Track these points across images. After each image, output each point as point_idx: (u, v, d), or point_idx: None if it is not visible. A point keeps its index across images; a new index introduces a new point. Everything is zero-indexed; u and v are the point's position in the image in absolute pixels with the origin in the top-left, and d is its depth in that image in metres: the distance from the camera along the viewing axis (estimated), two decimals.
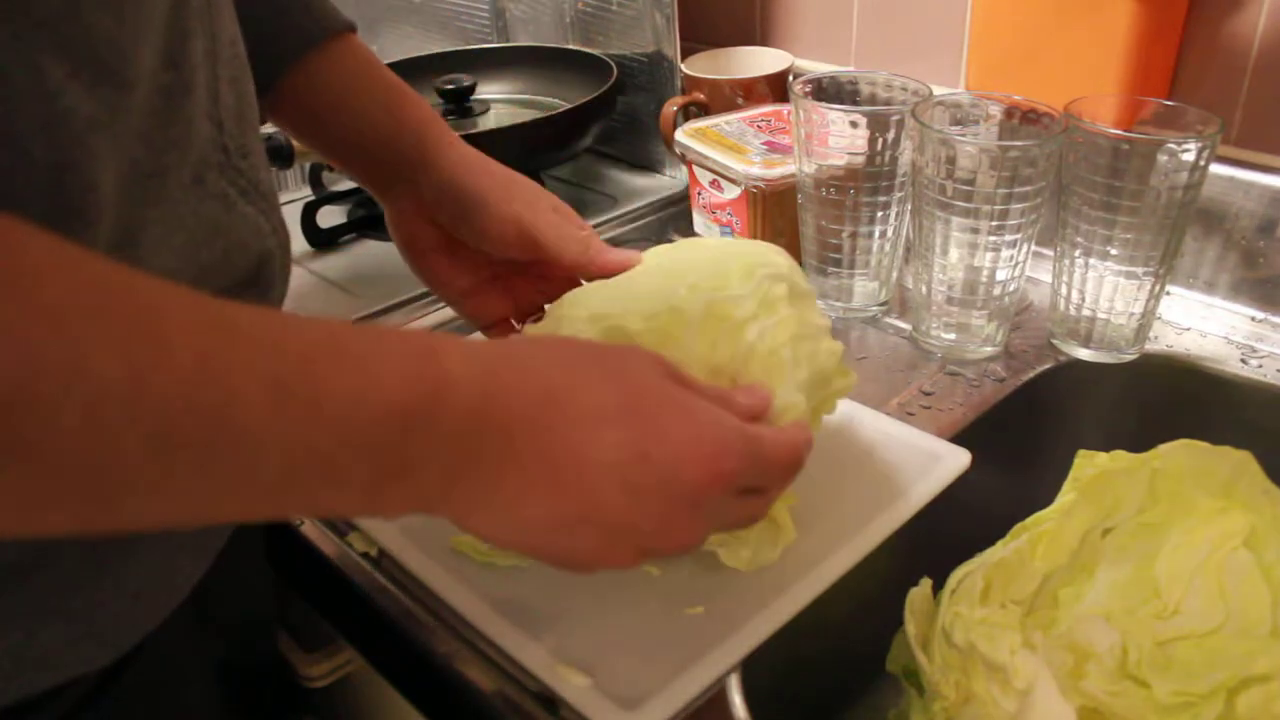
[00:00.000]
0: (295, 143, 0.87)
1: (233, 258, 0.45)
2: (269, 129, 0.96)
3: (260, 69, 0.54)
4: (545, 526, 0.39)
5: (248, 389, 0.31)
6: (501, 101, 1.10)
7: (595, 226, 0.92)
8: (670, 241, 0.92)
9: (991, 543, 0.59)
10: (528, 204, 0.59)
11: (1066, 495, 0.59)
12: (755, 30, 1.04)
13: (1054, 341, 0.73)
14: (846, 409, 0.66)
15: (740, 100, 0.95)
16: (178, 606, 0.50)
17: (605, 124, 0.99)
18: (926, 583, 0.56)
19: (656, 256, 0.57)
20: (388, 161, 0.62)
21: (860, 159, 0.71)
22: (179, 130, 0.41)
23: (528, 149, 0.92)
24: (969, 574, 0.56)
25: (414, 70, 1.05)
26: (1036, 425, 0.72)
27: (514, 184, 0.61)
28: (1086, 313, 0.70)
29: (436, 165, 0.61)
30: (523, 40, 1.14)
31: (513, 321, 0.64)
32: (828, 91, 0.75)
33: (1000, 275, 0.68)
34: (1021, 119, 0.68)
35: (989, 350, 0.72)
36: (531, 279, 0.63)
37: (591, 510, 0.38)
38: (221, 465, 0.31)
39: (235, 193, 0.45)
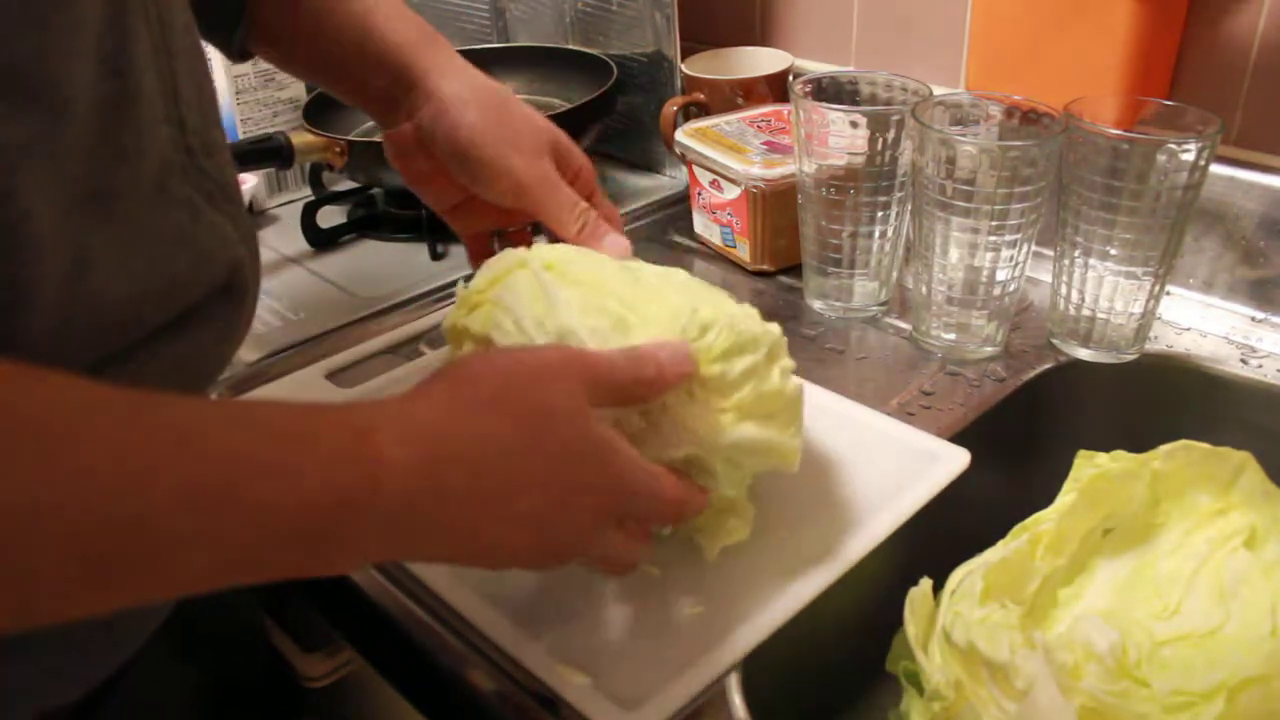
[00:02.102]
0: (295, 142, 0.87)
1: (201, 270, 0.44)
2: (269, 129, 0.97)
3: None
4: (463, 563, 0.43)
5: (165, 500, 0.31)
6: None
7: None
8: (670, 241, 0.92)
9: (991, 543, 0.58)
10: (526, 157, 0.58)
11: (1066, 495, 0.59)
12: (755, 30, 1.04)
13: (1054, 341, 0.73)
14: (847, 409, 0.66)
15: (740, 100, 0.95)
16: (160, 626, 0.49)
17: (605, 124, 0.99)
18: (926, 583, 0.56)
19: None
20: (375, 86, 0.61)
21: (860, 159, 0.71)
22: (129, 142, 0.39)
23: None
24: (969, 574, 0.56)
25: None
26: (1036, 425, 0.72)
27: (509, 126, 0.58)
28: (1086, 313, 0.70)
29: (428, 98, 0.59)
30: (523, 40, 1.14)
31: (493, 241, 0.65)
32: (828, 91, 0.75)
33: (1000, 275, 0.68)
34: (1021, 119, 0.68)
35: (989, 350, 0.72)
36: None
37: (503, 557, 0.42)
38: (145, 571, 0.31)
39: (201, 198, 0.44)
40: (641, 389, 0.46)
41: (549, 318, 0.49)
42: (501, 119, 0.58)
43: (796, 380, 0.52)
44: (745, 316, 0.50)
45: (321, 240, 0.93)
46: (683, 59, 0.97)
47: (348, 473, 0.35)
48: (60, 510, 0.29)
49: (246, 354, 0.76)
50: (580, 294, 0.50)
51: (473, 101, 0.58)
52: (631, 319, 0.49)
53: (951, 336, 0.72)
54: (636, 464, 0.44)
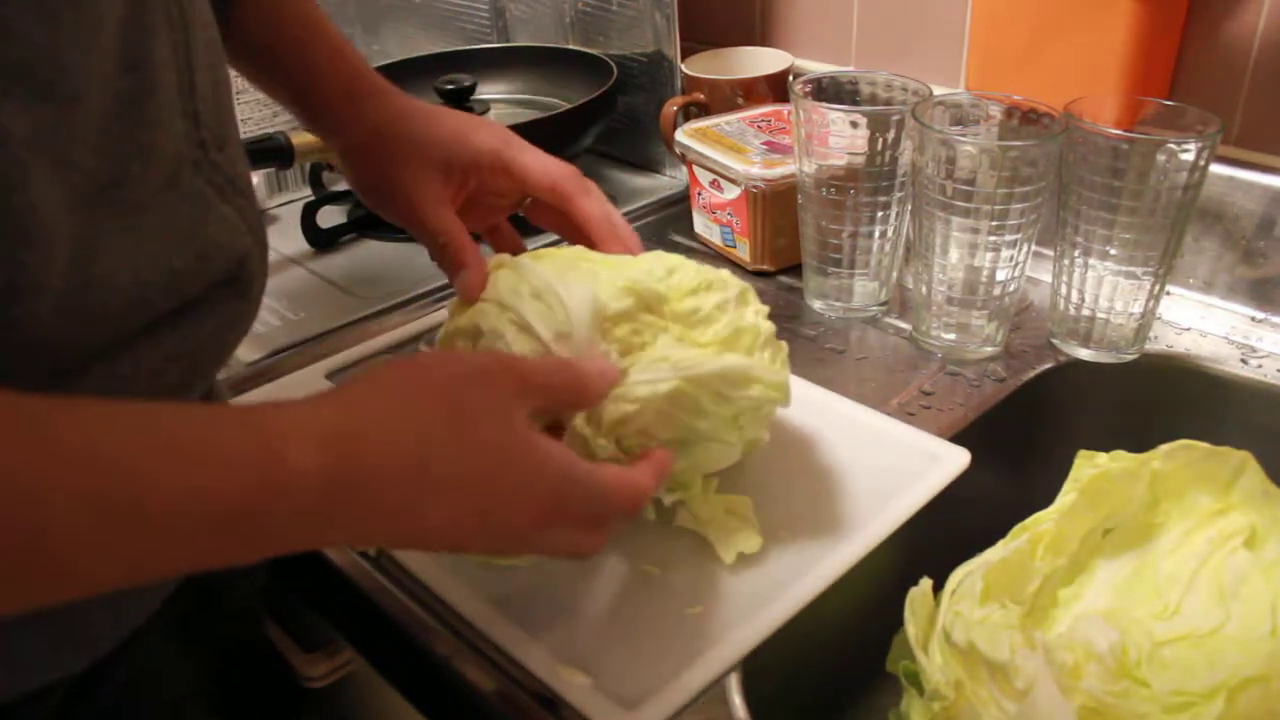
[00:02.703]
0: (295, 142, 0.87)
1: (209, 261, 0.44)
2: (269, 129, 0.97)
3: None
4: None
5: (64, 511, 0.30)
6: (501, 101, 1.10)
7: None
8: (670, 241, 0.92)
9: (991, 543, 0.58)
10: (399, 202, 0.58)
11: (1066, 495, 0.59)
12: (755, 30, 1.04)
13: (1054, 341, 0.73)
14: (847, 409, 0.66)
15: (740, 100, 0.95)
16: (162, 606, 0.49)
17: (605, 124, 0.99)
18: (926, 583, 0.56)
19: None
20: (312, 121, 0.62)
21: (860, 159, 0.71)
22: (144, 135, 0.39)
23: None
24: (969, 574, 0.56)
25: (414, 70, 1.05)
26: (1036, 425, 0.72)
27: (382, 173, 0.58)
28: (1086, 313, 0.70)
29: (347, 151, 0.60)
30: (523, 40, 1.15)
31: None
32: (828, 91, 0.75)
33: (1000, 275, 0.68)
34: (1021, 119, 0.68)
35: (989, 350, 0.72)
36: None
37: (451, 545, 0.42)
38: (42, 581, 0.31)
39: (212, 191, 0.44)
40: (571, 397, 0.47)
41: (524, 284, 0.51)
42: (372, 166, 0.59)
43: (771, 324, 0.54)
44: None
45: (321, 240, 0.93)
46: (683, 59, 0.97)
47: (253, 482, 0.34)
48: None
49: (247, 354, 0.76)
50: (554, 264, 0.53)
51: (354, 155, 0.60)
52: (602, 272, 0.52)
53: (951, 336, 0.72)
54: (570, 464, 0.43)
